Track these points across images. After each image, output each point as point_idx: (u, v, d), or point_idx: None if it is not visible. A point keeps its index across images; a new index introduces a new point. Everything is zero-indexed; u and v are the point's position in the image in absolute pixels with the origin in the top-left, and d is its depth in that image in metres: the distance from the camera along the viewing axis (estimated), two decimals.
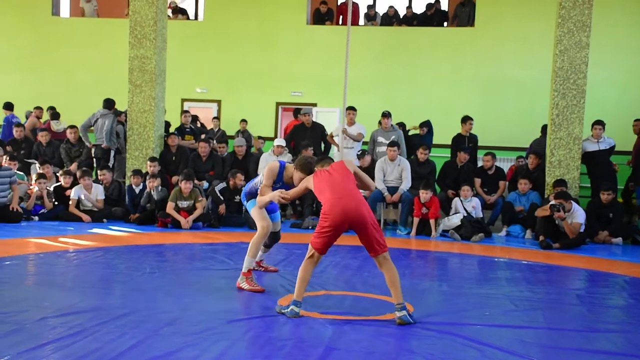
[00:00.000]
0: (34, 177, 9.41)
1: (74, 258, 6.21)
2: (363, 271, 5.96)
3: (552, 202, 8.00)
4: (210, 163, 10.01)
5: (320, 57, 14.22)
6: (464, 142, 10.24)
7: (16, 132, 10.91)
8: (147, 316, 4.14)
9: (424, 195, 8.61)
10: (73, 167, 10.03)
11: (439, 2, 14.82)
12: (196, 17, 16.25)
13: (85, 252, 6.54)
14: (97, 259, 6.17)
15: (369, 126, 10.69)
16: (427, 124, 11.43)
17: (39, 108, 12.29)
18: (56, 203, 9.15)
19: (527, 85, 13.33)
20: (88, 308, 4.29)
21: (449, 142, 10.41)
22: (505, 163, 12.26)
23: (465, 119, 10.37)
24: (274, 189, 5.07)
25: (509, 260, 6.98)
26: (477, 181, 9.52)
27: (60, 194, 9.21)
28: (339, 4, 15.78)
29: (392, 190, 9.11)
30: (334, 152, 10.68)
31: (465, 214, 8.65)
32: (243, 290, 4.98)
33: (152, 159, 9.37)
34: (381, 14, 15.18)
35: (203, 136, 10.89)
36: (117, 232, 8.13)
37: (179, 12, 15.73)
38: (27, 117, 12.23)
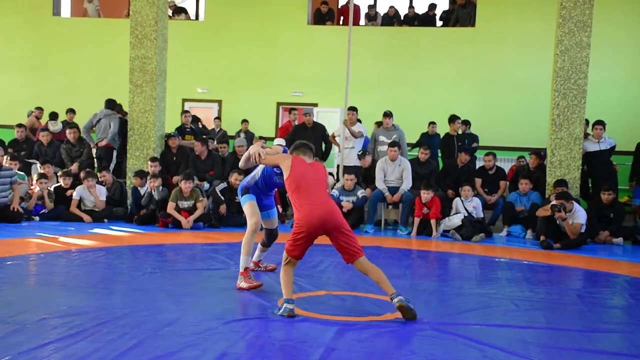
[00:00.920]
0: (34, 177, 9.42)
1: (75, 258, 6.21)
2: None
3: (553, 202, 8.00)
4: (210, 163, 10.01)
5: (321, 57, 14.22)
6: (453, 142, 10.25)
7: (17, 133, 10.92)
8: (148, 316, 4.14)
9: (425, 195, 8.61)
10: (74, 167, 10.03)
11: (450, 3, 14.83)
12: (197, 17, 16.25)
13: (86, 252, 6.54)
14: (98, 259, 6.18)
15: (370, 126, 10.69)
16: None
17: (39, 108, 12.31)
18: (53, 204, 9.15)
19: (528, 85, 13.33)
20: (89, 308, 4.29)
21: None
22: (506, 163, 12.26)
23: (453, 119, 10.37)
24: (273, 178, 5.07)
25: (509, 261, 6.98)
26: (478, 181, 9.52)
27: (60, 194, 9.22)
28: (339, 5, 15.78)
29: (393, 190, 9.11)
30: (335, 153, 10.69)
31: (466, 214, 8.65)
32: (244, 290, 4.97)
33: (153, 159, 9.38)
34: (382, 14, 15.18)
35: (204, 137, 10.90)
36: (118, 232, 8.14)
37: (179, 11, 15.72)
38: (28, 117, 12.26)
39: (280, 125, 13.33)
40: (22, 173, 9.66)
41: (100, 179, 9.44)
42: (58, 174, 9.62)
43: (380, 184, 9.16)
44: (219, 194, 8.95)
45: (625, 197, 10.47)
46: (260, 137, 12.54)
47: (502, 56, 13.72)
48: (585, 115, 8.95)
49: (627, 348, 3.89)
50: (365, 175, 9.74)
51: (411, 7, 15.17)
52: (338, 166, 10.06)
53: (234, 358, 3.43)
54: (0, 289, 4.81)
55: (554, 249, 7.86)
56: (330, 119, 12.94)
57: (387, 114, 10.03)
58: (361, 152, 9.94)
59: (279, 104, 14.61)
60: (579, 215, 7.99)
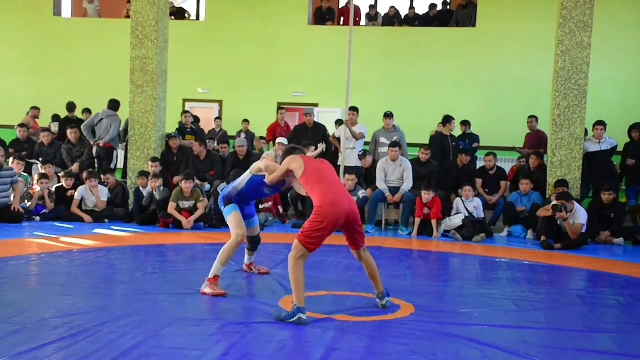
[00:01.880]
0: (35, 177, 9.43)
1: (76, 258, 6.22)
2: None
3: (554, 202, 8.00)
4: (209, 163, 10.01)
5: (322, 57, 14.22)
6: (447, 142, 10.24)
7: (19, 132, 10.93)
8: (149, 316, 4.14)
9: (426, 195, 8.60)
10: (74, 167, 10.04)
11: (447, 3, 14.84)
12: (197, 17, 16.25)
13: (86, 252, 6.55)
14: (98, 259, 6.18)
15: (370, 126, 10.68)
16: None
17: (35, 108, 12.31)
18: (54, 204, 9.16)
19: (529, 85, 13.33)
20: (89, 308, 4.30)
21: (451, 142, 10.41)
22: (507, 163, 12.26)
23: (448, 119, 10.32)
24: (261, 189, 5.01)
25: (510, 261, 6.98)
26: (478, 181, 9.52)
27: (60, 194, 9.22)
28: (340, 6, 15.78)
29: (394, 190, 9.11)
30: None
31: (467, 214, 8.65)
32: (206, 294, 4.77)
33: (154, 159, 9.38)
34: (382, 14, 15.18)
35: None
36: (119, 232, 8.14)
37: (177, 12, 15.65)
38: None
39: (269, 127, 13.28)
40: (25, 173, 9.66)
41: (103, 180, 9.44)
42: (60, 174, 9.63)
43: (380, 184, 9.16)
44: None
45: (625, 197, 10.45)
46: (261, 138, 12.55)
47: (503, 56, 13.72)
48: (585, 115, 8.95)
49: (627, 348, 3.89)
50: (365, 175, 9.74)
51: (411, 7, 15.18)
52: (339, 166, 10.05)
53: (235, 358, 3.43)
54: (0, 289, 4.82)
55: (554, 249, 7.85)
56: (330, 119, 12.94)
57: (388, 115, 10.02)
58: (362, 152, 9.93)
59: (279, 104, 14.59)
60: (579, 215, 7.98)
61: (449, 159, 10.04)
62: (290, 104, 14.34)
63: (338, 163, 10.04)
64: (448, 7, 14.82)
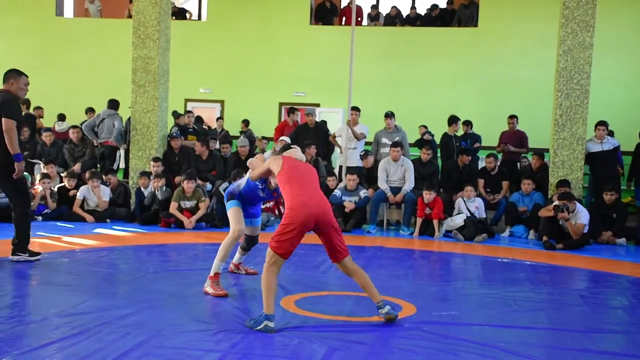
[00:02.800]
0: (37, 177, 9.44)
1: (78, 258, 6.22)
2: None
3: (556, 202, 7.99)
4: (211, 163, 10.02)
5: (323, 58, 14.23)
6: (452, 142, 10.23)
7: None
8: (150, 316, 4.14)
9: (428, 196, 8.60)
10: (77, 167, 10.05)
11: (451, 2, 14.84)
12: (199, 18, 16.27)
13: (88, 252, 6.55)
14: (100, 259, 6.18)
15: (372, 127, 10.68)
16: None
17: (39, 108, 12.32)
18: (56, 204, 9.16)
19: (531, 85, 13.32)
20: (91, 308, 4.30)
21: None
22: None
23: (455, 120, 10.32)
24: (257, 193, 4.99)
25: (512, 261, 6.97)
26: (481, 182, 9.52)
27: (63, 194, 9.23)
28: (341, 7, 15.78)
29: (395, 190, 9.10)
30: (337, 153, 10.68)
31: (469, 215, 8.65)
32: (208, 294, 4.80)
33: (156, 159, 9.39)
34: (384, 14, 15.18)
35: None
36: (121, 232, 8.15)
37: (178, 13, 15.67)
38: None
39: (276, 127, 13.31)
40: (26, 173, 9.66)
41: (105, 181, 9.44)
42: (62, 175, 9.64)
43: (382, 184, 9.16)
44: (223, 194, 8.94)
45: (629, 198, 10.46)
46: (263, 137, 12.56)
47: (505, 56, 13.71)
48: (588, 116, 8.94)
49: (629, 349, 3.88)
50: (367, 176, 9.74)
51: (413, 7, 15.18)
52: (340, 167, 10.06)
53: (236, 358, 3.43)
54: (3, 289, 4.83)
55: (556, 249, 7.85)
56: (332, 119, 12.95)
57: (388, 115, 10.01)
58: (363, 152, 9.93)
59: (281, 104, 14.62)
60: (581, 216, 7.97)
61: (452, 160, 10.04)
62: (292, 104, 14.33)
63: (340, 163, 10.04)
64: (451, 6, 14.80)
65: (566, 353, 3.73)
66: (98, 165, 10.30)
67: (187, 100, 14.76)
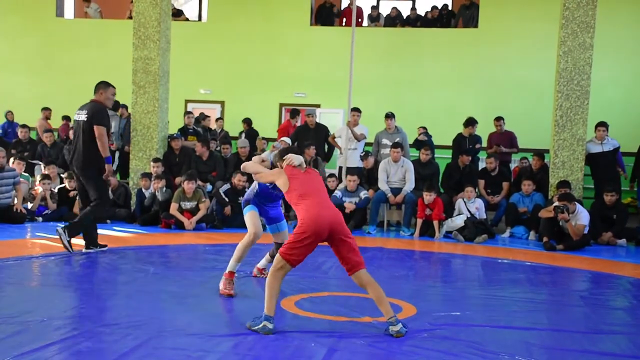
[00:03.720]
0: (38, 178, 9.44)
1: (78, 259, 6.22)
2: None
3: (556, 203, 7.99)
4: (212, 164, 10.02)
5: (324, 58, 14.22)
6: (465, 144, 10.23)
7: (21, 133, 10.95)
8: (151, 317, 4.14)
9: (428, 197, 8.60)
10: None
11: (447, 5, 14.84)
12: (200, 18, 16.27)
13: (88, 252, 6.54)
14: (100, 260, 6.18)
15: (372, 127, 10.68)
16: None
17: (47, 109, 12.35)
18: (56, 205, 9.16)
19: (531, 86, 13.31)
20: (92, 309, 4.30)
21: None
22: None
23: (473, 122, 10.29)
24: (269, 189, 5.01)
25: (512, 262, 6.97)
26: (481, 182, 9.52)
27: (64, 195, 9.23)
28: (342, 8, 15.78)
29: (396, 191, 9.10)
30: (337, 154, 10.68)
31: (469, 215, 8.64)
32: (220, 292, 4.89)
33: (156, 160, 9.39)
34: (384, 15, 15.18)
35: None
36: (121, 233, 8.15)
37: (175, 14, 15.64)
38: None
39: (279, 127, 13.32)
40: (27, 174, 9.68)
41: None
42: (63, 176, 9.64)
43: (383, 185, 9.16)
44: (223, 196, 8.92)
45: (629, 199, 10.46)
46: (263, 138, 12.56)
47: (505, 57, 13.70)
48: (588, 116, 8.93)
49: (630, 350, 3.88)
50: (368, 177, 9.74)
51: (414, 8, 15.18)
52: (340, 168, 10.05)
53: (237, 359, 3.43)
54: (3, 290, 4.83)
55: (556, 250, 7.85)
56: (332, 119, 12.94)
57: (389, 115, 10.00)
58: (364, 153, 9.93)
59: (281, 104, 14.61)
60: (582, 217, 7.97)
61: (453, 160, 10.03)
62: (293, 104, 14.34)
63: (340, 164, 10.03)
64: (450, 7, 14.80)
65: (567, 354, 3.73)
66: None
67: (187, 101, 14.75)
